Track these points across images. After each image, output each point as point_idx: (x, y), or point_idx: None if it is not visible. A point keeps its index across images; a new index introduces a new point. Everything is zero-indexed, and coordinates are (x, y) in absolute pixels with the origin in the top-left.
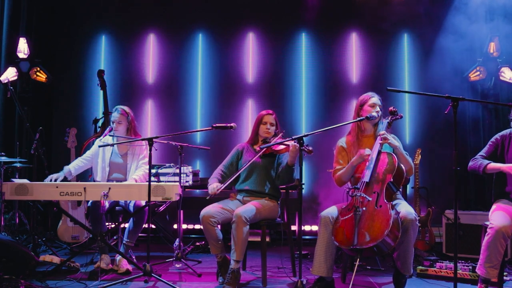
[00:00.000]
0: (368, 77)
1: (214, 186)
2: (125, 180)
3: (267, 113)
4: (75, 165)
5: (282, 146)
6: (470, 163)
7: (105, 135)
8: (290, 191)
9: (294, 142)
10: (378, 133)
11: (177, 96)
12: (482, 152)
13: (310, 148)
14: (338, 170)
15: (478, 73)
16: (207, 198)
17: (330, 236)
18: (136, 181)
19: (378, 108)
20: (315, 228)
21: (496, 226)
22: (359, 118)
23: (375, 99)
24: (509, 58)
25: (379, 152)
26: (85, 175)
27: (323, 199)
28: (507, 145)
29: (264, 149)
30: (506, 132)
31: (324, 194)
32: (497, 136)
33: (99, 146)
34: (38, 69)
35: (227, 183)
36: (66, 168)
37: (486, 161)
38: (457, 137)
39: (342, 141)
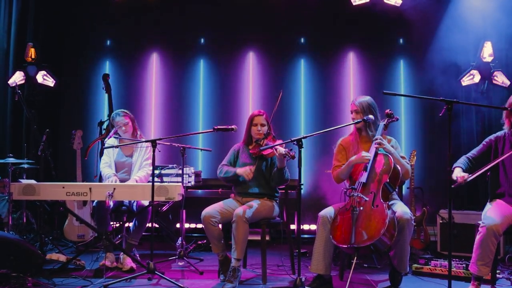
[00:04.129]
0: (364, 85)
1: (247, 170)
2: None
3: (258, 113)
4: (112, 171)
5: (270, 150)
6: (459, 160)
7: (110, 137)
8: (289, 191)
9: (294, 144)
10: (375, 133)
11: (180, 98)
12: (474, 151)
13: (293, 154)
14: (337, 167)
15: (471, 77)
16: (248, 178)
17: (328, 235)
18: (136, 181)
19: (354, 114)
20: (313, 227)
21: (487, 225)
22: (356, 121)
23: (352, 104)
24: (501, 62)
25: (376, 154)
26: (91, 176)
27: (321, 199)
28: (501, 148)
29: (259, 153)
30: (500, 133)
31: (323, 194)
32: (491, 137)
33: (104, 148)
34: (45, 73)
35: (255, 166)
36: (112, 174)
37: (458, 164)
38: (451, 139)
39: (343, 140)
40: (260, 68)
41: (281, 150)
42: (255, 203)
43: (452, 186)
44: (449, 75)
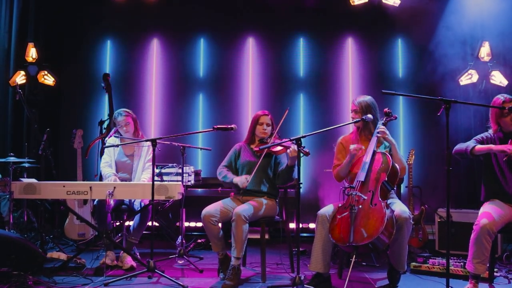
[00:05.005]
0: (363, 80)
1: (243, 179)
2: (131, 179)
3: (263, 113)
4: (113, 170)
5: (280, 147)
6: (457, 146)
7: (110, 136)
8: (288, 190)
9: (293, 143)
10: (376, 129)
11: (180, 98)
12: (470, 142)
13: (307, 150)
14: (337, 165)
15: (469, 76)
16: (241, 192)
17: (327, 234)
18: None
19: (353, 114)
20: (312, 226)
21: (480, 223)
22: (354, 120)
23: (352, 104)
24: (499, 62)
25: (374, 152)
26: (91, 175)
27: (320, 198)
28: None
29: (265, 150)
30: (489, 134)
31: (321, 193)
32: (483, 135)
33: (105, 147)
34: (46, 72)
35: (253, 173)
36: (112, 174)
37: (474, 144)
38: (449, 138)
39: (343, 139)
40: (259, 53)
41: (294, 147)
42: (255, 202)
43: (504, 159)
44: (448, 77)
